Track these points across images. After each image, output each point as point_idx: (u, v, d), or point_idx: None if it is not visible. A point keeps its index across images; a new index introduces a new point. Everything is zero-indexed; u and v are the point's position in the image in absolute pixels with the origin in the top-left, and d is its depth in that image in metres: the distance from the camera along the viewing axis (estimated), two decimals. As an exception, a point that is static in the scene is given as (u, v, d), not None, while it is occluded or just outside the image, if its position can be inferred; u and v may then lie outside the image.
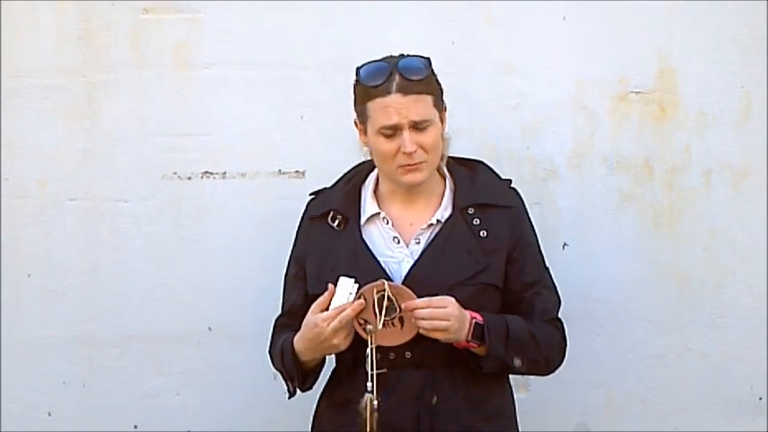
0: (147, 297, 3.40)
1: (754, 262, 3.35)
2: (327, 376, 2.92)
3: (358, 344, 2.73)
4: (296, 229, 2.95)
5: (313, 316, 2.72)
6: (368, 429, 2.66)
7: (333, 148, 3.25)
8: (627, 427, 3.41)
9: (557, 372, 2.94)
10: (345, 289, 2.70)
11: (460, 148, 3.11)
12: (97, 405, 3.43)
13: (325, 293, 2.72)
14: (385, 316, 2.69)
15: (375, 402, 2.67)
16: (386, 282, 2.70)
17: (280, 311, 2.97)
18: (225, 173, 3.38)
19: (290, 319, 2.90)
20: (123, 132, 3.36)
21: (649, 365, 3.40)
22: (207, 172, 3.38)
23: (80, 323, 3.41)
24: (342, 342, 2.71)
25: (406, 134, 2.71)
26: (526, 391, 3.32)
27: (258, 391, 3.34)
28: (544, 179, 3.35)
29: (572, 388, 3.39)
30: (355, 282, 2.70)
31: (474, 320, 2.71)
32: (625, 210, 3.36)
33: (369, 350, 2.68)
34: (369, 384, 2.68)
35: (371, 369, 2.68)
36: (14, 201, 3.39)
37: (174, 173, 3.38)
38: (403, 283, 2.72)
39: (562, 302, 2.91)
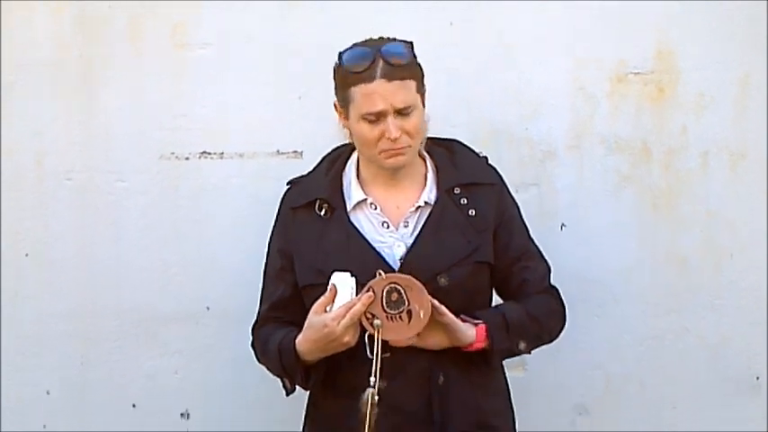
0: (145, 277, 3.41)
1: (752, 244, 3.34)
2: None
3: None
4: (273, 220, 2.93)
5: (319, 317, 2.67)
6: (367, 423, 2.62)
7: (331, 129, 3.23)
8: (625, 408, 3.41)
9: (555, 353, 2.93)
10: (346, 284, 2.67)
11: (458, 131, 3.11)
12: (95, 384, 3.45)
13: (326, 293, 2.68)
14: (393, 309, 2.65)
15: (377, 398, 2.63)
16: (397, 274, 2.68)
17: (260, 305, 2.95)
18: (223, 153, 3.38)
19: (276, 312, 2.89)
20: (121, 112, 3.36)
21: (647, 347, 3.40)
22: (205, 152, 3.38)
23: (78, 302, 3.42)
24: (352, 339, 2.67)
25: (391, 120, 2.70)
26: (523, 370, 3.32)
27: (257, 371, 3.32)
28: (542, 160, 3.34)
29: (570, 369, 3.39)
30: (351, 275, 2.67)
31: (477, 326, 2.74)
32: (623, 191, 3.35)
33: (376, 345, 2.64)
34: (371, 379, 2.63)
35: (375, 364, 2.63)
36: (12, 179, 3.39)
37: (172, 153, 3.38)
38: (400, 269, 2.71)
39: (552, 269, 2.91)
